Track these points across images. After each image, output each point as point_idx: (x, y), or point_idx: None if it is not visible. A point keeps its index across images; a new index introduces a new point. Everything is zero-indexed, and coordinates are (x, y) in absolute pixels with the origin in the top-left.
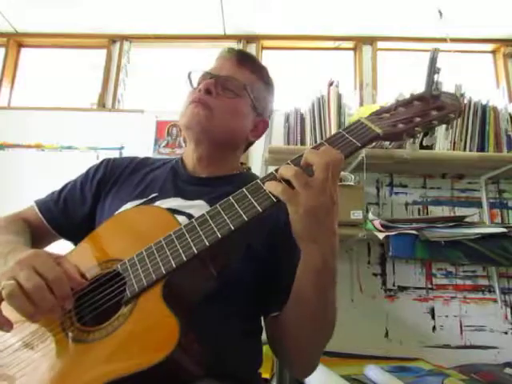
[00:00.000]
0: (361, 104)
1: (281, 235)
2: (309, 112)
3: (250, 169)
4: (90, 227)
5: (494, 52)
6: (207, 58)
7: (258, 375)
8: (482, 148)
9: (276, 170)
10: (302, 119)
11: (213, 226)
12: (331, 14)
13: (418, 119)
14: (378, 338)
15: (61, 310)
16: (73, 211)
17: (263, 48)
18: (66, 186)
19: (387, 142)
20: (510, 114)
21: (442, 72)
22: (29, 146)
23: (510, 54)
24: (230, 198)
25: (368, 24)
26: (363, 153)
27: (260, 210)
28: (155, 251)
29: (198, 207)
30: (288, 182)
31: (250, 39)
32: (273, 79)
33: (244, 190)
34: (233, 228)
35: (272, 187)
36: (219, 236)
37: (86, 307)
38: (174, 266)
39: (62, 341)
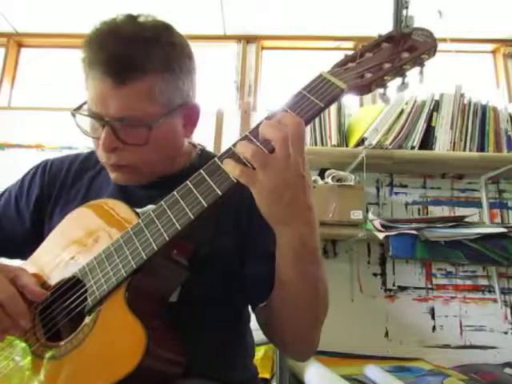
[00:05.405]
0: (361, 104)
1: (249, 219)
2: None
3: (203, 149)
4: (37, 242)
5: (493, 52)
6: (207, 59)
7: (251, 369)
8: (481, 148)
9: (234, 145)
10: None
11: (171, 216)
12: (331, 14)
13: (387, 65)
14: (378, 338)
15: (20, 328)
16: (11, 231)
17: (263, 48)
18: None
19: (387, 142)
20: (509, 114)
21: (410, 7)
22: (29, 146)
23: (510, 54)
24: (188, 182)
25: (368, 24)
26: (363, 153)
27: (220, 193)
28: (114, 252)
29: None
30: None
31: (250, 39)
32: (173, 40)
33: (202, 171)
34: (192, 217)
35: (229, 168)
36: (179, 228)
37: (51, 319)
38: (134, 266)
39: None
